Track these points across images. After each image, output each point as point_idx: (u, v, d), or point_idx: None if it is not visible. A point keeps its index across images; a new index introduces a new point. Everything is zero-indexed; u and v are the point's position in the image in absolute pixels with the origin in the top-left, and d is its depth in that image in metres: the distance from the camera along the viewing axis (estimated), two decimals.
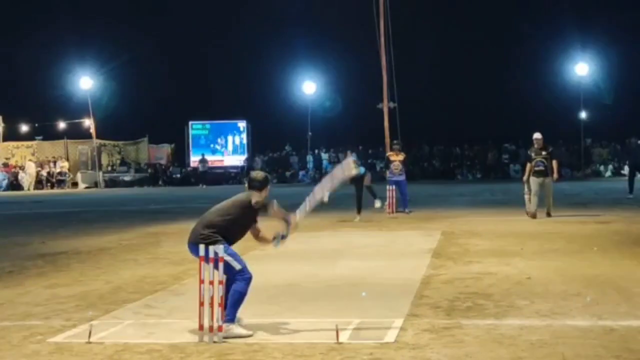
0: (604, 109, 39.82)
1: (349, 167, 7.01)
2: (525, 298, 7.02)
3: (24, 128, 41.81)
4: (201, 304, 5.71)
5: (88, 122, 39.79)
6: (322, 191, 6.57)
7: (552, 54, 41.03)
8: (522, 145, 35.71)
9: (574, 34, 39.70)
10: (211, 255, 5.76)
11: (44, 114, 40.91)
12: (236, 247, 6.11)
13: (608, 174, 37.46)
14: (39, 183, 38.55)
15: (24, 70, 43.79)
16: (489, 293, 7.32)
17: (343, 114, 40.90)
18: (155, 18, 47.48)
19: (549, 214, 15.04)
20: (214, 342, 5.65)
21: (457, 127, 41.34)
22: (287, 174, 40.66)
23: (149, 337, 5.94)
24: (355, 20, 29.74)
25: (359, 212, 15.86)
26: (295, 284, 8.16)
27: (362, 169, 16.56)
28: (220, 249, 5.79)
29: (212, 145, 43.67)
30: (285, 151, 43.31)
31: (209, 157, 42.18)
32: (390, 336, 5.72)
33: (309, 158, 41.16)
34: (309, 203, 6.34)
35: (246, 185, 6.33)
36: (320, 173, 40.28)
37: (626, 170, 25.32)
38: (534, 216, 14.80)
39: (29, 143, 41.48)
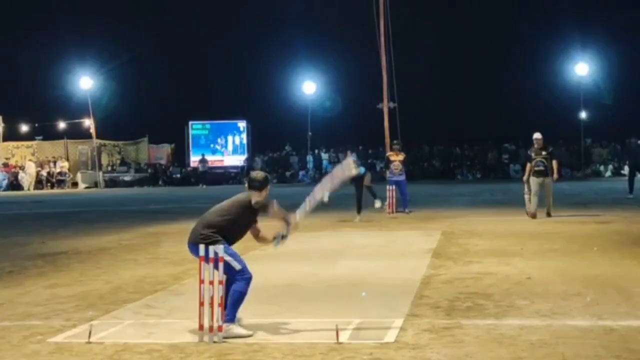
0: (604, 109, 39.84)
1: (349, 167, 7.01)
2: (525, 298, 7.02)
3: (24, 128, 41.82)
4: (201, 304, 5.72)
5: (88, 122, 39.79)
6: (322, 191, 6.57)
7: (552, 54, 41.07)
8: (522, 145, 35.71)
9: (574, 34, 39.73)
10: (211, 255, 5.76)
11: (44, 114, 40.96)
12: (236, 247, 6.11)
13: (608, 174, 37.46)
14: (39, 183, 38.55)
15: (24, 70, 43.82)
16: (489, 293, 7.32)
17: (343, 114, 40.92)
18: (155, 18, 47.52)
19: (549, 214, 15.04)
20: (214, 342, 5.65)
21: (457, 127, 41.35)
22: (287, 174, 40.66)
23: (149, 337, 5.94)
24: (355, 20, 29.74)
25: (359, 212, 15.87)
26: (295, 284, 8.16)
27: (362, 169, 16.57)
28: (220, 249, 5.80)
29: (212, 145, 43.67)
30: (285, 151, 43.31)
31: (209, 157, 42.18)
32: (390, 336, 5.72)
33: (309, 158, 41.16)
34: (309, 203, 6.34)
35: (246, 185, 6.33)
36: (320, 173, 40.27)
37: (626, 170, 25.33)
38: (534, 216, 14.80)
39: (29, 143, 41.48)
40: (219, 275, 5.80)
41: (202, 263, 5.77)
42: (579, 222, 13.98)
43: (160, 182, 40.45)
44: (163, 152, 44.01)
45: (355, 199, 16.07)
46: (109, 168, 41.55)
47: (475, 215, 16.12)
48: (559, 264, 9.08)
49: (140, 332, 6.10)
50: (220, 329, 5.71)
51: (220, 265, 5.78)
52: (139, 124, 42.57)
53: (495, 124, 40.14)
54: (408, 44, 34.03)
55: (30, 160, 39.48)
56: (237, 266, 5.89)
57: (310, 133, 41.08)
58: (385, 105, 22.19)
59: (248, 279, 5.92)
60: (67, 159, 40.35)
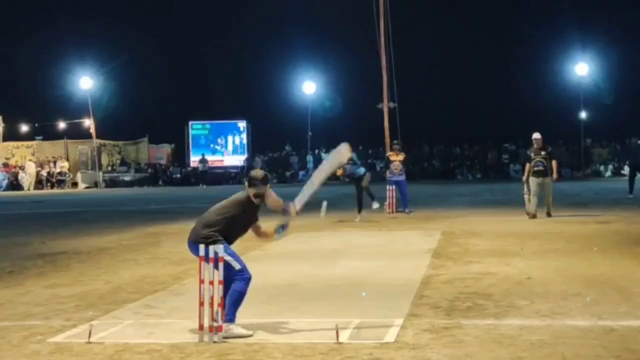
0: (604, 109, 39.84)
1: (344, 151, 7.00)
2: (525, 298, 7.02)
3: (24, 128, 41.82)
4: (201, 304, 5.72)
5: (88, 122, 39.79)
6: (320, 177, 6.57)
7: (552, 54, 41.08)
8: (522, 145, 35.71)
9: (574, 34, 39.74)
10: (211, 255, 5.76)
11: (44, 114, 40.97)
12: (236, 247, 6.11)
13: (608, 174, 37.46)
14: (39, 183, 38.55)
15: (24, 70, 43.84)
16: (489, 293, 7.32)
17: (343, 114, 40.92)
18: (155, 18, 47.53)
19: (549, 214, 15.04)
20: (214, 342, 5.66)
21: (457, 127, 41.36)
22: (287, 174, 40.65)
23: (149, 337, 5.94)
24: (355, 20, 29.76)
25: (359, 211, 15.87)
26: (295, 284, 8.15)
27: (362, 170, 16.58)
28: (220, 248, 5.80)
29: (212, 145, 43.67)
30: (285, 151, 43.32)
31: (209, 157, 42.20)
32: (390, 336, 5.71)
33: (309, 158, 41.14)
34: (307, 190, 6.35)
35: (246, 184, 6.34)
36: None
37: (626, 170, 25.33)
38: (533, 216, 14.80)
39: (29, 143, 41.48)
40: (219, 275, 5.80)
41: (202, 263, 5.77)
42: (579, 222, 13.98)
43: (160, 182, 40.45)
44: (163, 152, 44.02)
45: (355, 199, 16.09)
46: (109, 168, 41.56)
47: (475, 215, 16.12)
48: (559, 264, 9.08)
49: (140, 332, 6.09)
50: (220, 328, 5.71)
51: (220, 265, 5.78)
52: (139, 124, 42.61)
53: (495, 124, 40.16)
54: (408, 44, 34.05)
55: (30, 160, 39.48)
56: (237, 266, 5.89)
57: (310, 133, 41.08)
58: (385, 105, 22.20)
59: (247, 279, 5.92)
60: (67, 159, 40.35)
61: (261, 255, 10.03)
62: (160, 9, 47.67)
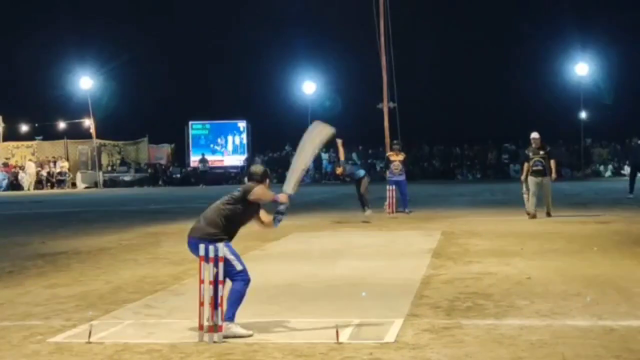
0: (604, 109, 39.86)
1: (321, 127, 6.97)
2: (525, 298, 7.02)
3: (24, 128, 41.83)
4: (201, 304, 5.71)
5: (88, 122, 39.80)
6: (302, 158, 6.58)
7: (552, 54, 41.11)
8: (522, 145, 35.67)
9: (574, 34, 39.76)
10: (211, 254, 5.76)
11: (44, 114, 40.98)
12: (236, 247, 6.10)
13: (608, 174, 37.47)
14: (39, 183, 38.55)
15: (24, 70, 43.85)
16: (489, 293, 7.32)
17: (343, 114, 40.82)
18: (155, 18, 47.56)
19: (548, 214, 15.04)
20: (214, 342, 5.66)
21: (457, 127, 41.37)
22: (287, 174, 40.62)
23: (149, 337, 5.94)
24: (355, 20, 29.74)
25: (363, 208, 15.73)
26: (295, 284, 8.15)
27: (361, 172, 16.56)
28: (225, 250, 5.79)
29: (212, 145, 43.67)
30: (285, 151, 43.27)
31: (209, 157, 42.18)
32: (390, 336, 5.71)
33: None
34: (293, 174, 6.38)
35: (246, 180, 6.33)
36: (320, 173, 40.34)
37: (626, 170, 25.34)
38: (533, 216, 14.80)
39: (29, 143, 41.49)
40: (220, 275, 5.79)
41: (202, 263, 5.77)
42: (579, 222, 13.98)
43: (160, 182, 40.45)
44: (163, 152, 44.01)
45: (357, 199, 16.04)
46: (109, 168, 41.55)
47: (475, 215, 16.12)
48: (559, 264, 9.08)
49: (140, 332, 6.09)
50: (220, 328, 5.71)
51: (220, 264, 5.78)
52: (139, 124, 42.62)
53: (495, 124, 40.17)
54: (408, 44, 34.04)
55: (30, 160, 39.48)
56: (239, 266, 5.88)
57: None
58: (385, 105, 22.18)
59: (247, 281, 5.92)
60: (67, 159, 40.35)
61: (261, 255, 10.03)
62: (160, 9, 47.73)
